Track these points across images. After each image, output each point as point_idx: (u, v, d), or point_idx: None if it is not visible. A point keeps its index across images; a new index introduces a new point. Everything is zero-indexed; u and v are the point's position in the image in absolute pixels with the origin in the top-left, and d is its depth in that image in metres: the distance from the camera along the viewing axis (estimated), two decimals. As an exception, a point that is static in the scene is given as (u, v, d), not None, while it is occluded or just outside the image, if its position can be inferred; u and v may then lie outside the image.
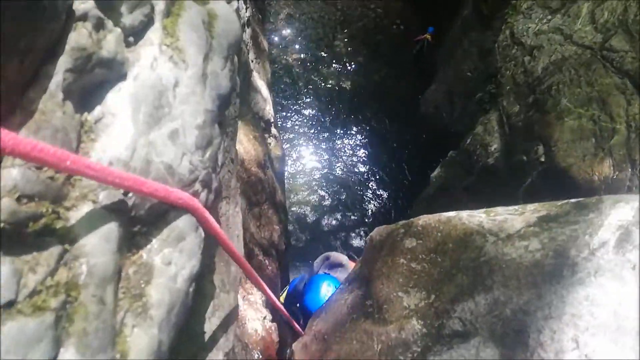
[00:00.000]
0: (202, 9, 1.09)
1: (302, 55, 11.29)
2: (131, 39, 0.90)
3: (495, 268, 1.82)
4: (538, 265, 1.73)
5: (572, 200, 2.02)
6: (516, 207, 2.25)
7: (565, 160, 4.72)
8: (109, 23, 0.83)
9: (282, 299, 3.71)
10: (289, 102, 10.75)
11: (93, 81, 0.82)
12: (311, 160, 10.41)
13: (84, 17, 0.78)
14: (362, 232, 9.93)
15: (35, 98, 0.71)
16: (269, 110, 5.07)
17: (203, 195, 0.97)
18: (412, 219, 2.49)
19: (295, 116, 10.91)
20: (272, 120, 5.29)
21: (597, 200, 1.79)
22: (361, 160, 10.48)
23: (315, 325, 2.45)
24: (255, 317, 3.13)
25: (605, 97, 4.67)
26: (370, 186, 10.28)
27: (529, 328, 1.68)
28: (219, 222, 1.25)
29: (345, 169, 10.45)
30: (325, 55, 11.43)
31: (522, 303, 1.70)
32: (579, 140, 4.71)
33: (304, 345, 2.51)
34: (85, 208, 0.76)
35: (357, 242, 9.85)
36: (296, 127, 10.46)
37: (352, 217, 10.21)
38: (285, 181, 7.78)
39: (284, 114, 10.54)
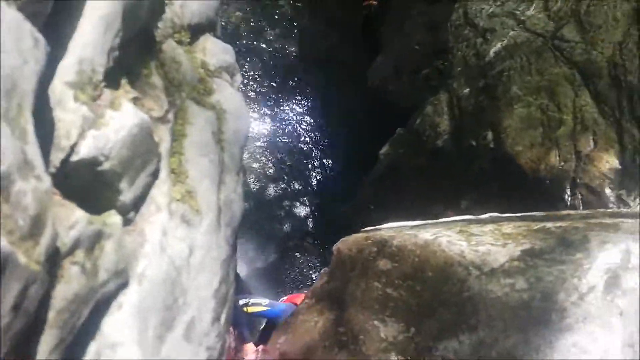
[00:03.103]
0: (209, 114, 0.88)
1: (244, 15, 10.67)
2: (132, 214, 0.68)
3: (479, 306, 1.76)
4: (525, 307, 1.69)
5: (551, 226, 1.99)
6: (491, 227, 2.21)
7: (513, 148, 4.83)
8: (105, 225, 0.61)
9: (250, 309, 3.52)
10: (232, 66, 10.21)
11: (84, 321, 0.60)
12: (254, 127, 10.05)
13: (73, 248, 0.56)
14: (306, 202, 9.86)
15: None
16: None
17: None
18: (383, 234, 2.38)
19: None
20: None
21: (583, 238, 1.75)
22: (307, 128, 10.29)
23: (280, 345, 2.34)
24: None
25: (554, 87, 4.77)
26: (316, 155, 10.16)
27: (515, 373, 1.65)
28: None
29: (290, 138, 10.22)
30: (269, 15, 10.87)
31: (508, 346, 1.66)
32: (527, 128, 4.81)
33: (267, 363, 2.40)
34: None
35: (301, 211, 9.78)
36: (242, 94, 10.00)
37: (297, 186, 10.09)
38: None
39: (227, 79, 10.01)
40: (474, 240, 2.01)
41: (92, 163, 0.80)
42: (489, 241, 1.98)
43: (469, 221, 2.52)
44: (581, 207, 4.17)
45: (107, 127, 0.85)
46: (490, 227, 2.17)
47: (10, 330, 0.55)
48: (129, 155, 0.82)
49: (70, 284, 0.63)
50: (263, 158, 9.80)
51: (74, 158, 0.80)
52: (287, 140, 10.11)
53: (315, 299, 2.44)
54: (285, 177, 9.84)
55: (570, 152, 4.48)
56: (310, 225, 9.52)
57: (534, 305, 1.68)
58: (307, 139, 10.20)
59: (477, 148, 5.23)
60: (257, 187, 9.54)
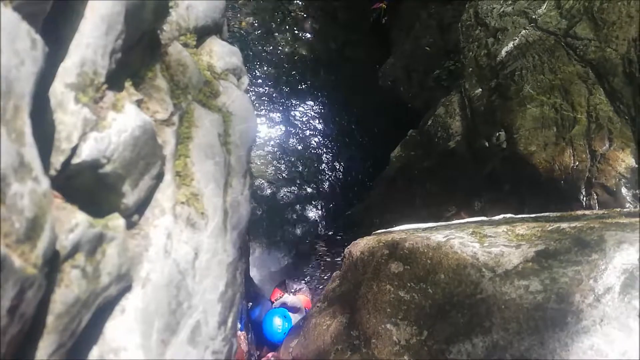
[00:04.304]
0: (215, 116, 0.87)
1: (254, 20, 10.75)
2: (135, 217, 0.68)
3: (493, 308, 1.73)
4: (540, 309, 1.65)
5: (566, 227, 1.94)
6: (504, 228, 2.17)
7: (526, 148, 4.76)
8: (107, 228, 0.61)
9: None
10: (242, 70, 10.25)
11: (86, 325, 0.60)
12: (265, 131, 10.08)
13: (74, 251, 0.55)
14: (318, 205, 9.85)
15: None
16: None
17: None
18: (395, 236, 2.35)
19: (248, 85, 10.44)
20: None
21: (599, 238, 1.71)
22: (318, 131, 10.30)
23: (292, 348, 2.32)
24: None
25: (567, 86, 4.70)
26: (327, 158, 10.15)
27: (531, 377, 1.61)
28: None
29: (301, 141, 10.24)
30: (279, 20, 10.94)
31: (523, 349, 1.63)
32: (540, 128, 4.74)
33: (279, 367, 2.38)
34: None
35: (313, 214, 9.76)
36: (249, 96, 10.04)
37: (309, 190, 10.09)
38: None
39: (238, 84, 10.05)
40: (486, 242, 1.98)
41: (93, 165, 0.80)
42: (502, 242, 1.94)
43: (482, 223, 2.48)
44: (597, 207, 4.10)
45: (109, 129, 0.84)
46: (503, 228, 2.13)
47: (6, 333, 0.55)
48: (131, 158, 0.81)
49: (70, 287, 0.62)
50: (275, 162, 9.81)
51: (75, 160, 0.79)
52: (298, 144, 10.13)
53: (327, 302, 2.42)
54: (297, 181, 9.85)
55: (585, 152, 4.40)
56: (323, 229, 9.49)
57: (549, 307, 1.64)
58: (319, 142, 10.21)
59: (489, 149, 5.17)
60: (269, 191, 9.55)
